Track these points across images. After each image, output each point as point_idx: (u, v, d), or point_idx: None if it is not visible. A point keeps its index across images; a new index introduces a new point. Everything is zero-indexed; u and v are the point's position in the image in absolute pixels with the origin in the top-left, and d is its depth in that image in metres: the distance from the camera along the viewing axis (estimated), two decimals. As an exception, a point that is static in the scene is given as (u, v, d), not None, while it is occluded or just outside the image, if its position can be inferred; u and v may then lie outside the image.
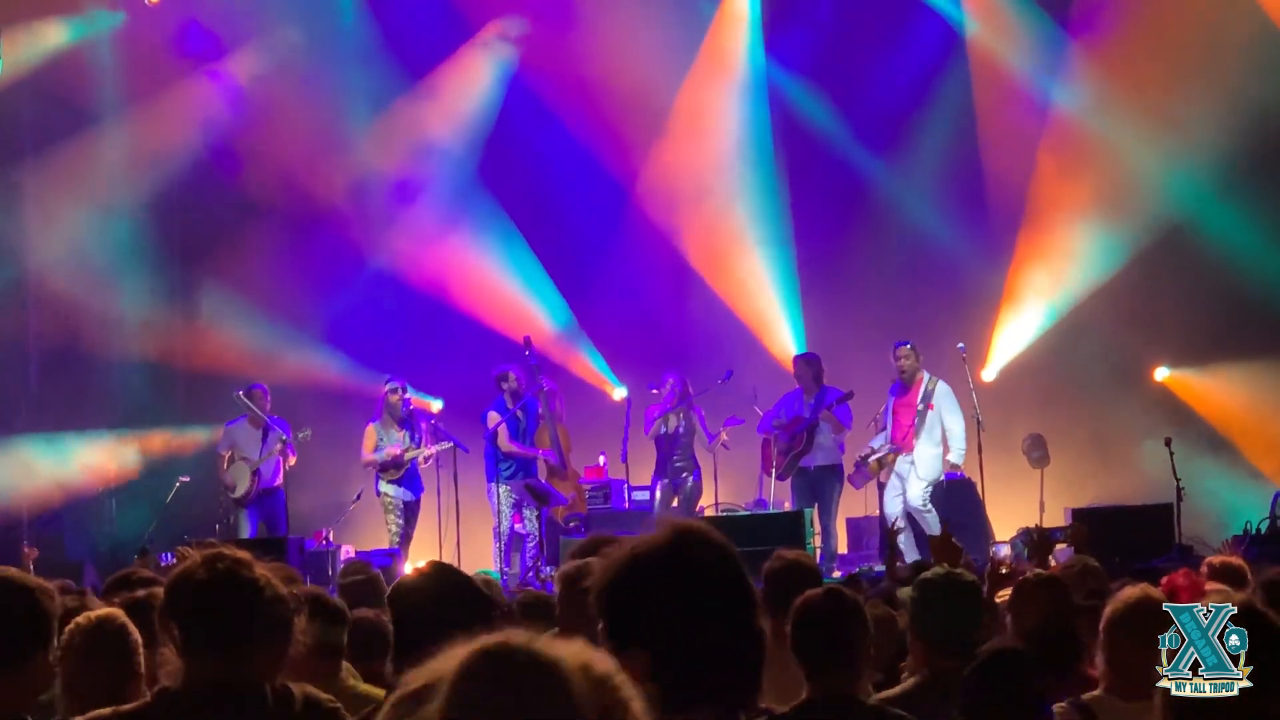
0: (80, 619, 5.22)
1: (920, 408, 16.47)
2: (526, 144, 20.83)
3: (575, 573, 6.16)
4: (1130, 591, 6.12)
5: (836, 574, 15.39)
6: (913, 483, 16.41)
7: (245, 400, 17.91)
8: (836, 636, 5.52)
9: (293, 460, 17.93)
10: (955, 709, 5.36)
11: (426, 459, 17.56)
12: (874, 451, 16.65)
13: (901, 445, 16.51)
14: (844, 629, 5.54)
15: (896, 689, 5.89)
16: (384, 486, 17.64)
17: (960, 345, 16.96)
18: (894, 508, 16.41)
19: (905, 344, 16.75)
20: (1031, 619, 6.70)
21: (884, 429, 16.78)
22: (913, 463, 16.41)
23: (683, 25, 20.26)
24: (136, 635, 5.19)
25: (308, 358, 20.13)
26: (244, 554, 4.35)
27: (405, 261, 20.36)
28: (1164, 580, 7.41)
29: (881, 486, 16.80)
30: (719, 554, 3.12)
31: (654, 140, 20.42)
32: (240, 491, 17.93)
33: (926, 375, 16.74)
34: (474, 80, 20.76)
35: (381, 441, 17.54)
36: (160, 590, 5.75)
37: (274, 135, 19.67)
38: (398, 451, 17.44)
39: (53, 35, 19.88)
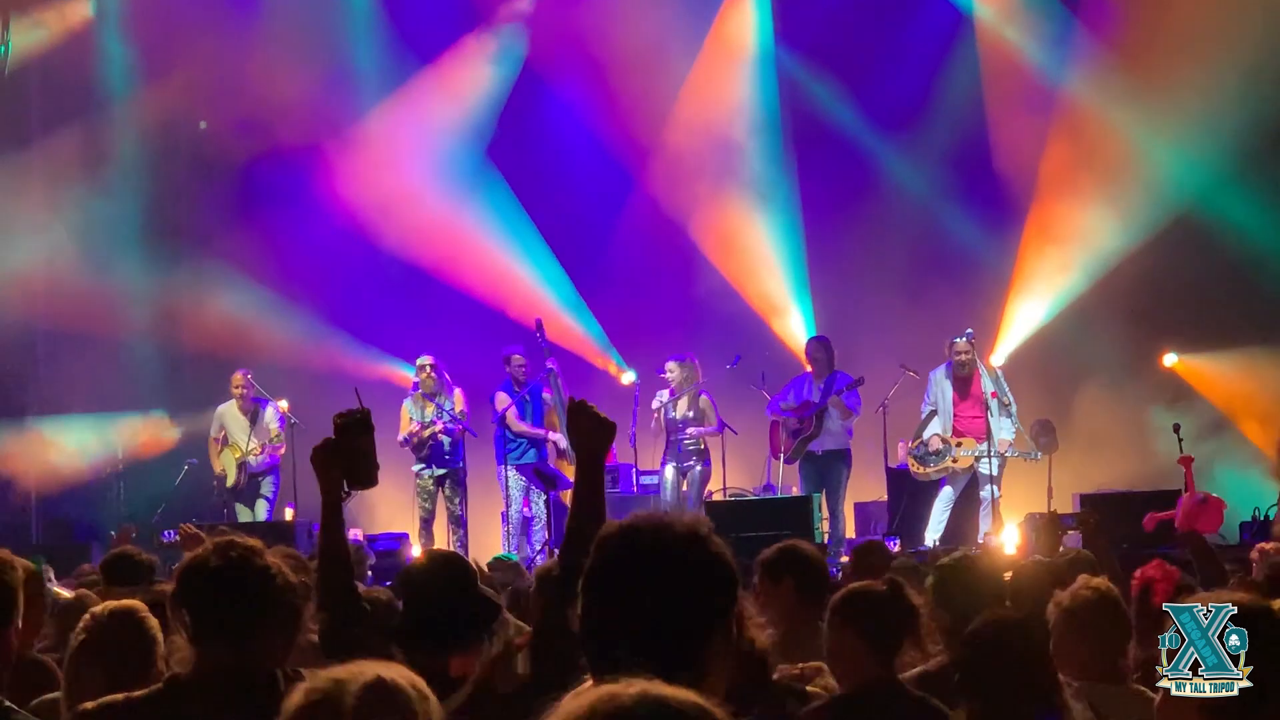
0: (96, 610, 5.17)
1: (989, 400, 16.63)
2: (534, 126, 20.83)
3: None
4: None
5: (845, 558, 15.41)
6: (991, 468, 16.58)
7: (261, 390, 17.97)
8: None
9: (282, 450, 17.94)
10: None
11: (443, 431, 17.46)
12: (942, 446, 16.72)
13: (970, 433, 16.68)
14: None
15: (918, 669, 5.90)
16: (416, 466, 17.67)
17: (969, 331, 16.93)
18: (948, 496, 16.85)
19: (966, 337, 16.84)
20: (1031, 604, 6.74)
21: (931, 411, 16.91)
22: (992, 452, 16.56)
23: (691, 7, 20.22)
24: (156, 626, 5.15)
25: (316, 340, 20.11)
26: (255, 542, 4.36)
27: (414, 244, 20.31)
28: (1136, 574, 7.38)
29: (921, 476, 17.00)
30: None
31: (662, 122, 20.38)
32: (230, 481, 17.95)
33: (981, 367, 16.92)
34: (482, 61, 20.72)
35: (414, 418, 17.54)
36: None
37: (280, 116, 19.63)
38: (417, 428, 17.44)
39: (59, 18, 19.87)
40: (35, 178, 19.57)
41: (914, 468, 16.95)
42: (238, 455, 17.94)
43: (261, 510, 17.98)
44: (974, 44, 19.84)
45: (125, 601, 5.27)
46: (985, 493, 16.55)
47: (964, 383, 16.81)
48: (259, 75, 19.78)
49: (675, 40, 20.07)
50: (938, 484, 16.93)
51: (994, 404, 16.62)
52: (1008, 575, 7.65)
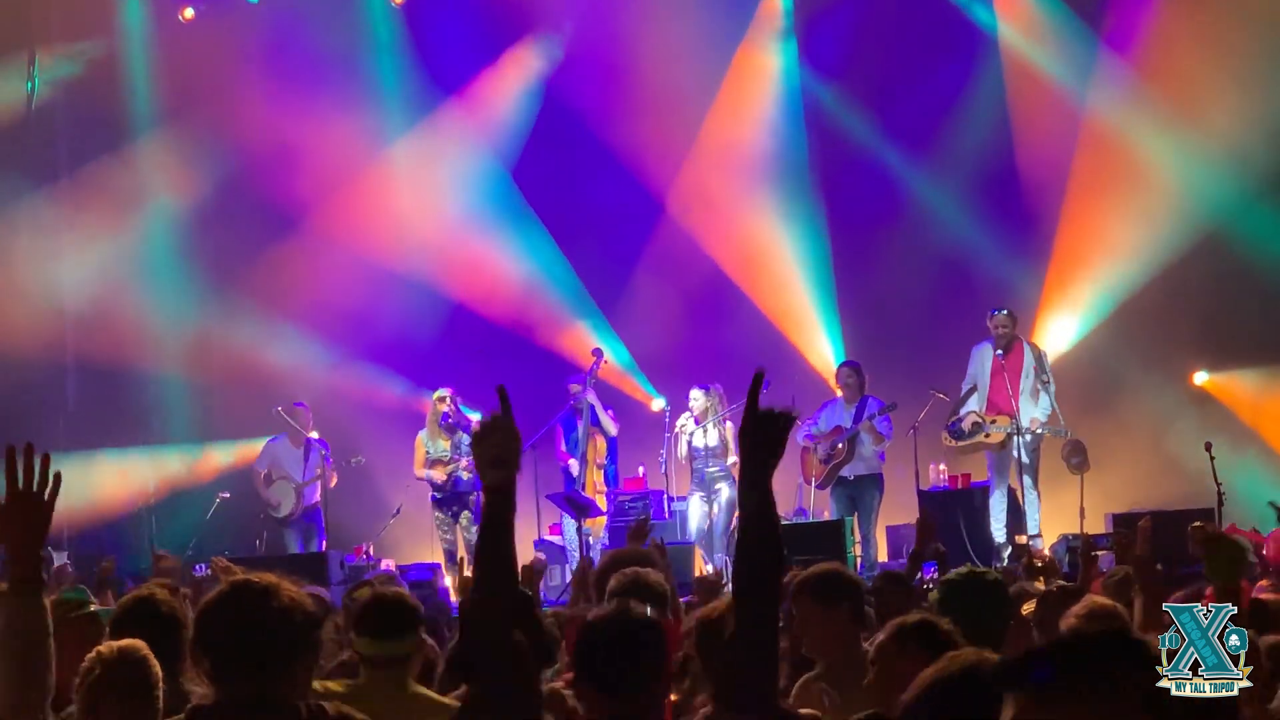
0: (101, 649, 5.18)
1: (1033, 374, 16.66)
2: (561, 153, 20.83)
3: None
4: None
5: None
6: (1025, 447, 16.54)
7: (286, 417, 18.01)
8: None
9: (334, 481, 18.02)
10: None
11: (466, 468, 17.42)
12: (978, 421, 16.72)
13: (1005, 409, 16.61)
14: None
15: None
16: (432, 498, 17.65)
17: (999, 352, 16.88)
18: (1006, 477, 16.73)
19: (1002, 310, 16.86)
20: (1056, 630, 6.69)
21: (971, 388, 16.96)
22: (1025, 429, 16.53)
23: (717, 35, 20.21)
24: (158, 668, 5.17)
25: (346, 372, 20.15)
26: (270, 579, 4.34)
27: (442, 275, 20.36)
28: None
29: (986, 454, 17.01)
30: None
31: (688, 149, 20.41)
32: (285, 511, 18.05)
33: (1025, 343, 16.98)
34: (509, 93, 20.78)
35: (429, 453, 17.50)
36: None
37: (310, 150, 19.70)
38: (440, 479, 17.39)
39: (85, 53, 19.95)
40: (63, 212, 19.64)
41: (946, 441, 16.99)
42: (295, 486, 18.06)
43: (315, 545, 18.06)
44: (999, 65, 19.80)
45: (129, 641, 5.27)
46: (1023, 490, 16.53)
47: (1003, 357, 16.74)
48: (286, 108, 19.86)
49: (701, 65, 20.09)
50: (985, 497, 16.87)
51: (1028, 381, 16.61)
52: (1029, 606, 7.60)
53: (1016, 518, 16.57)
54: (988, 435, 16.74)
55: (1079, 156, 19.17)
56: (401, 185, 20.62)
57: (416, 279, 20.33)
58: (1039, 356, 16.90)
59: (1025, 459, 16.50)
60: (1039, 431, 16.57)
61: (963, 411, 16.96)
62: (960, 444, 16.95)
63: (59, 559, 15.71)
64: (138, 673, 5.12)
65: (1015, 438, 16.48)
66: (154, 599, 5.99)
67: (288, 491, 18.12)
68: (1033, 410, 16.60)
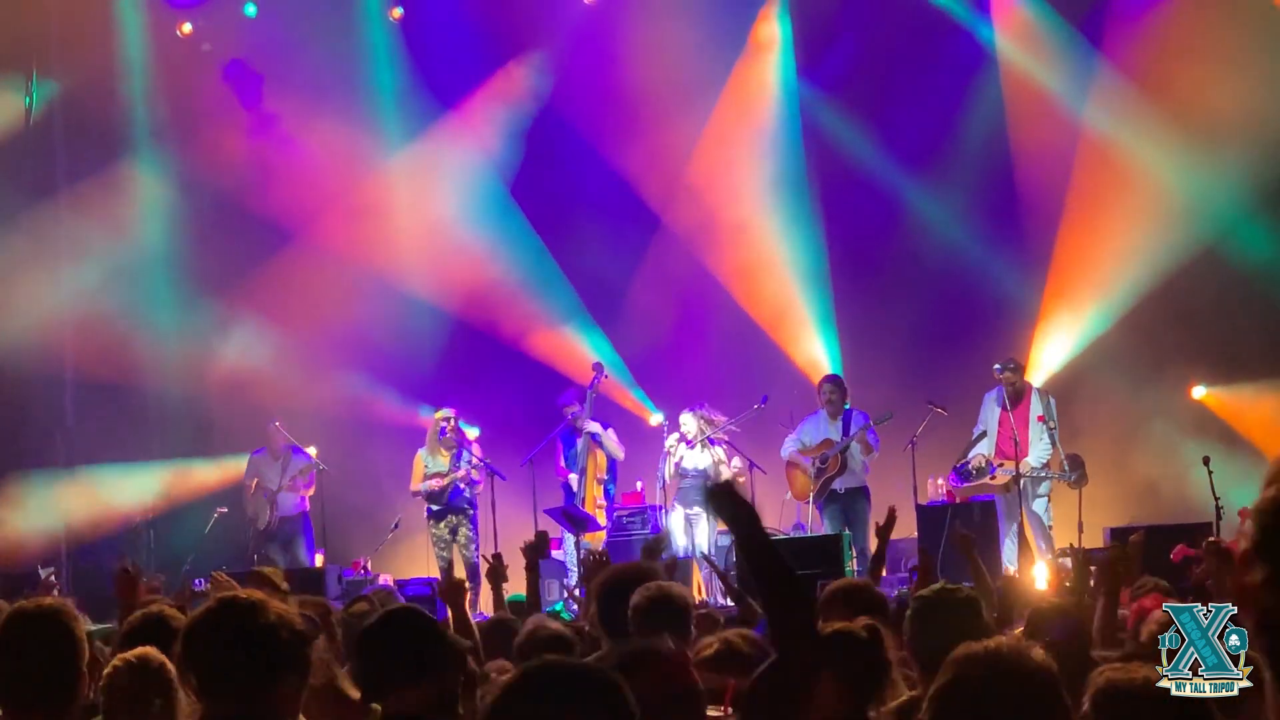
0: (118, 660, 5.20)
1: (1037, 422, 16.65)
2: (557, 167, 20.85)
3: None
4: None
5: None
6: (1031, 491, 16.52)
7: (283, 431, 18.08)
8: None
9: (310, 491, 18.04)
10: None
11: (464, 480, 17.43)
12: (984, 464, 16.72)
13: (1012, 456, 16.62)
14: None
15: (892, 704, 5.84)
16: (428, 517, 17.62)
17: (997, 366, 16.87)
18: (1014, 523, 16.61)
19: (1007, 364, 16.83)
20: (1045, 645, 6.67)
21: (982, 432, 16.94)
22: (1034, 476, 16.54)
23: (714, 49, 20.21)
24: (175, 674, 5.18)
25: (345, 387, 20.13)
26: (258, 595, 4.34)
27: (439, 288, 20.35)
28: (1134, 605, 7.39)
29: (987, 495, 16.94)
30: None
31: (686, 163, 20.40)
32: (261, 524, 18.16)
33: (1034, 388, 16.95)
34: (507, 107, 20.76)
35: (428, 469, 17.49)
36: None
37: (307, 165, 19.71)
38: (437, 487, 17.38)
39: (83, 68, 19.94)
40: (62, 227, 19.62)
41: (951, 487, 16.99)
42: (268, 498, 18.10)
43: (302, 555, 18.07)
44: (997, 79, 19.79)
45: (145, 649, 5.29)
46: (1013, 528, 16.53)
47: (1011, 406, 16.72)
48: (284, 122, 19.88)
49: (698, 80, 20.10)
50: (993, 516, 16.87)
51: (1039, 427, 16.60)
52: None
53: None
54: (993, 478, 16.73)
55: (1078, 170, 19.16)
56: (399, 199, 20.61)
57: (413, 292, 20.32)
58: (1047, 403, 16.89)
59: (1032, 501, 16.51)
60: (1042, 475, 16.57)
61: (970, 454, 16.95)
62: (965, 485, 16.93)
63: (44, 572, 15.65)
64: (157, 679, 5.15)
65: (1022, 481, 16.47)
66: (164, 616, 6.00)
67: (262, 504, 18.18)
68: (1030, 455, 16.62)
